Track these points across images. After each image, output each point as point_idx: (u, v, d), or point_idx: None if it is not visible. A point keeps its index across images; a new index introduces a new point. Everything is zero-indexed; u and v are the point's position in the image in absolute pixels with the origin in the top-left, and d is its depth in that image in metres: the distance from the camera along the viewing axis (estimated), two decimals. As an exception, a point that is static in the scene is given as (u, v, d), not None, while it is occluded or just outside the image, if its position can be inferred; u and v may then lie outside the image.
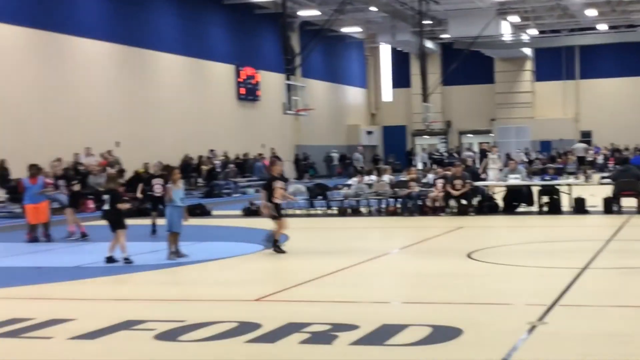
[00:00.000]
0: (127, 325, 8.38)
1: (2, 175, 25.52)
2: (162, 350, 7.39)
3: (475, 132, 58.86)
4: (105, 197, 13.82)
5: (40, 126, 31.16)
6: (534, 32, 52.50)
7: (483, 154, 35.34)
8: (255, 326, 8.09)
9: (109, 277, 12.29)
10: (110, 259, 13.40)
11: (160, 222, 16.45)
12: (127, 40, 36.41)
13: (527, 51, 56.00)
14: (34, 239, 17.07)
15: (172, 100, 39.25)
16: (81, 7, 34.33)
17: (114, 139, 34.20)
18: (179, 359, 7.02)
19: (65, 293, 11.08)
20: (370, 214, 22.49)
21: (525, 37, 53.05)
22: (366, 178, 23.86)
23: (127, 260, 13.30)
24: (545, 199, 21.09)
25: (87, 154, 29.80)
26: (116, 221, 13.62)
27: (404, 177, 24.40)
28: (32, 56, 31.62)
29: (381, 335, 7.56)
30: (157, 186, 18.22)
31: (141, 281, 12.04)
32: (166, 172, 17.29)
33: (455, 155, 44.34)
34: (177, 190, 14.23)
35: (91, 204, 23.50)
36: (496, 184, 22.68)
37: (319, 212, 23.13)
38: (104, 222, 13.96)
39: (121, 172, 29.16)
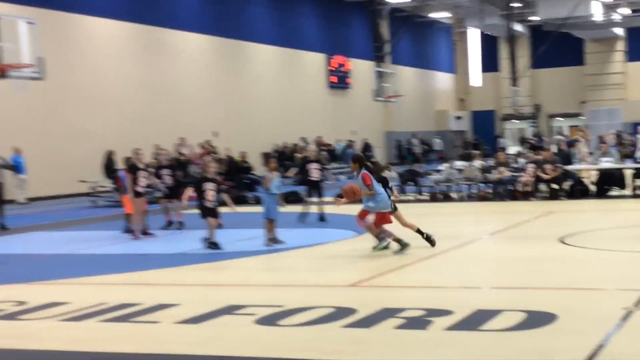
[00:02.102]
0: (229, 310, 8.58)
1: (108, 166, 26.29)
2: (263, 334, 7.56)
3: (565, 115, 57.61)
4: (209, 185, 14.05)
5: (141, 118, 31.99)
6: (626, 11, 50.94)
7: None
8: (351, 311, 8.19)
9: (210, 263, 12.57)
10: (213, 245, 13.71)
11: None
12: (222, 32, 36.99)
13: (619, 31, 54.41)
14: (127, 229, 16.90)
15: (265, 90, 39.69)
16: (178, 0, 35.02)
17: (212, 128, 34.83)
18: (279, 343, 7.16)
19: (169, 279, 11.40)
20: (461, 199, 22.36)
21: (616, 17, 51.51)
22: (457, 163, 23.70)
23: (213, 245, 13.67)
24: (639, 182, 20.60)
25: (183, 144, 30.35)
26: (208, 209, 13.88)
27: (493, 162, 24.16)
28: (132, 50, 32.44)
29: (475, 320, 7.56)
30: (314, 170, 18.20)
31: (240, 267, 12.29)
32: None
33: (545, 139, 43.57)
34: (274, 179, 14.45)
35: (191, 193, 23.90)
36: (588, 168, 22.24)
37: (410, 197, 23.10)
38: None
39: (219, 160, 29.68)
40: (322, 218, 17.92)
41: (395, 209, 13.11)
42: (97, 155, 27.51)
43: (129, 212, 16.86)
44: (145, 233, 16.48)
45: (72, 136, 28.78)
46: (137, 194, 16.11)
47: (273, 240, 14.19)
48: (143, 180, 16.32)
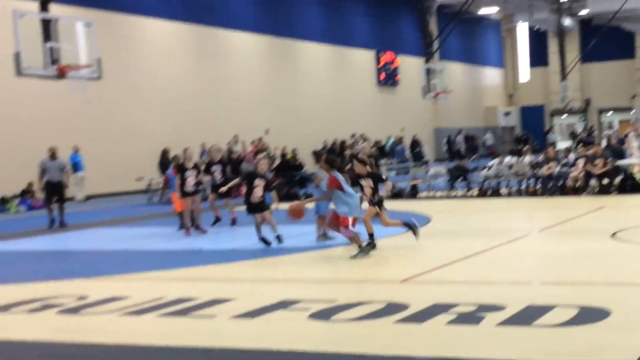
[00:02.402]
0: (283, 305, 8.65)
1: (164, 164, 26.64)
2: (317, 329, 7.61)
3: (616, 110, 56.76)
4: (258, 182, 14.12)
5: (195, 116, 32.35)
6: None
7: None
8: (403, 307, 8.20)
9: (263, 259, 12.67)
10: (263, 241, 13.83)
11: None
12: (274, 30, 37.21)
13: (670, 24, 53.51)
14: (181, 226, 17.01)
15: (316, 87, 39.81)
16: (230, 0, 35.28)
17: (264, 126, 35.04)
18: (333, 338, 7.21)
19: (223, 275, 11.52)
20: (510, 194, 22.18)
21: (668, 10, 50.61)
22: (506, 159, 23.52)
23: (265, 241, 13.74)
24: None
25: (236, 142, 30.59)
26: (255, 205, 13.95)
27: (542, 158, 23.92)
28: (186, 49, 32.81)
29: (528, 316, 7.53)
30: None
31: (293, 263, 12.35)
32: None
33: (595, 134, 42.95)
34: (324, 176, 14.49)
35: (243, 190, 24.09)
36: (639, 162, 21.91)
37: (460, 193, 22.98)
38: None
39: (272, 158, 29.85)
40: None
41: (378, 204, 12.72)
42: (153, 154, 27.95)
43: (178, 209, 16.99)
44: (198, 229, 16.55)
45: (129, 135, 29.22)
46: (184, 194, 16.17)
47: (324, 236, 14.25)
48: (191, 179, 16.28)
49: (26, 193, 25.97)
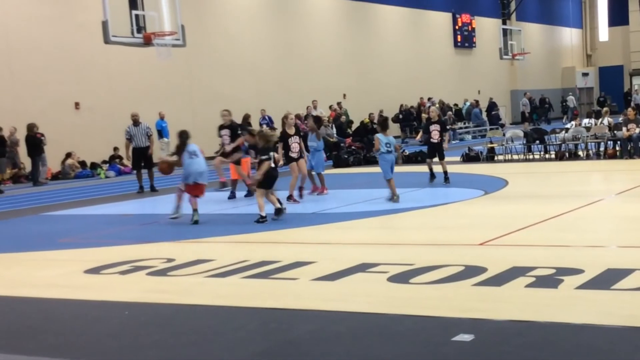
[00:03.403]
0: (362, 267, 8.70)
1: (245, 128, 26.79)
2: (396, 291, 7.63)
3: (699, 68, 54.81)
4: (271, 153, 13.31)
5: (275, 81, 32.48)
6: None
7: None
8: (481, 270, 8.16)
9: (341, 222, 12.72)
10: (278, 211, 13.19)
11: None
12: (351, -5, 37.00)
13: None
14: (232, 195, 16.83)
15: (392, 51, 39.50)
16: (308, -33, 35.19)
17: (342, 91, 34.99)
18: (412, 300, 7.22)
19: (304, 238, 11.63)
20: (588, 157, 21.71)
21: None
22: (585, 121, 23.00)
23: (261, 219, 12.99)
24: None
25: (314, 107, 30.63)
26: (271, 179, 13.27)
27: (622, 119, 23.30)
28: (265, 14, 32.92)
29: (607, 279, 7.40)
30: (435, 132, 17.66)
31: (370, 226, 12.38)
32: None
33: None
34: (384, 139, 14.49)
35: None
36: None
37: (537, 156, 22.60)
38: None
39: (349, 123, 29.84)
40: (445, 178, 17.24)
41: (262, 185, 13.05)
42: (236, 119, 28.14)
43: (233, 177, 17.18)
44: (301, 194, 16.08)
45: (211, 100, 29.55)
46: (290, 159, 15.52)
47: (393, 197, 14.31)
48: (295, 145, 15.56)
49: (114, 158, 26.56)
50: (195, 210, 13.36)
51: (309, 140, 16.72)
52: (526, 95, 45.46)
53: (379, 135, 14.73)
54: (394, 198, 14.45)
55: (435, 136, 17.23)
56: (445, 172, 17.24)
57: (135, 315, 7.41)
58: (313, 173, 16.59)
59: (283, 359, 5.84)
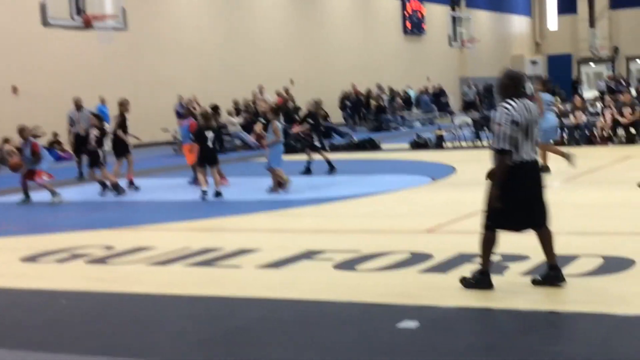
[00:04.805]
0: (308, 255, 8.70)
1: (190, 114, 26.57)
2: (343, 278, 7.66)
3: (645, 58, 55.85)
4: (209, 135, 14.29)
5: (221, 66, 32.25)
6: None
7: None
8: (427, 257, 8.23)
9: (284, 210, 12.68)
10: (217, 194, 14.00)
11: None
12: (296, -21, 36.85)
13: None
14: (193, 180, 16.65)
15: (341, 37, 39.50)
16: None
17: (289, 76, 34.88)
18: (358, 287, 7.24)
19: (247, 225, 11.57)
20: (536, 144, 21.98)
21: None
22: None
23: (218, 194, 13.96)
24: None
25: (260, 92, 30.49)
26: (213, 157, 14.28)
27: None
28: (209, 0, 32.61)
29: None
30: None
31: (316, 214, 12.36)
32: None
33: (623, 82, 42.28)
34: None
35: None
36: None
37: (486, 144, 22.81)
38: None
39: (297, 109, 29.73)
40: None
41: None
42: (174, 102, 27.84)
43: (189, 162, 16.80)
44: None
45: (155, 85, 29.21)
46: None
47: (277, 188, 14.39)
48: None
49: (53, 144, 26.13)
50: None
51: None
52: (469, 83, 45.66)
53: (277, 123, 14.64)
54: (285, 179, 14.41)
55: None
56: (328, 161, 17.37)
57: (74, 304, 7.31)
58: None
59: (228, 347, 5.82)
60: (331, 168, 17.13)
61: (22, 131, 15.35)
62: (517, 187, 6.66)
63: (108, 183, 15.57)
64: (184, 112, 19.60)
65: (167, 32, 30.38)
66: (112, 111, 26.49)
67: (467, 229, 10.05)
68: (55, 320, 6.76)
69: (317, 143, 17.38)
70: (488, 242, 6.84)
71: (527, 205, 6.77)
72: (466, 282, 6.87)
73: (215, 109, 17.64)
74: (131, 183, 16.27)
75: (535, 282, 6.86)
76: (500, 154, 6.65)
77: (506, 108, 6.65)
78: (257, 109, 27.05)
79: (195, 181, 16.29)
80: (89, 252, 9.56)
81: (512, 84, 6.78)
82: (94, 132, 15.73)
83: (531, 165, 6.76)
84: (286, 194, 14.12)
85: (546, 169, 14.41)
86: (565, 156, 14.60)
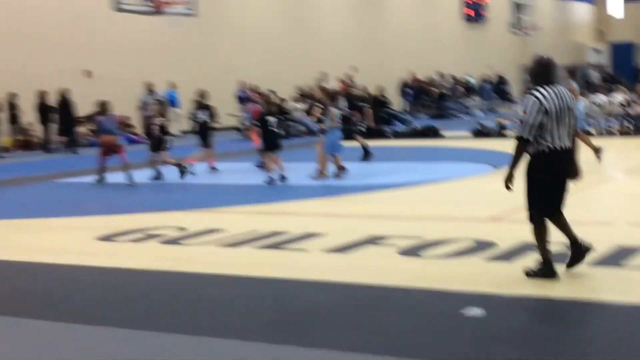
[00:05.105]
0: (372, 240, 8.75)
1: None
2: (405, 264, 7.70)
3: None
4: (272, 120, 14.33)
5: (285, 52, 32.40)
6: None
7: None
8: (491, 245, 8.21)
9: (351, 195, 12.77)
10: (282, 178, 14.11)
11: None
12: (360, -34, 36.75)
13: None
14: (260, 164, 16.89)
15: (402, 25, 39.29)
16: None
17: (350, 62, 34.86)
18: (421, 273, 7.28)
19: (315, 210, 11.68)
20: (600, 134, 21.63)
21: None
22: (596, 98, 22.88)
23: (283, 178, 14.06)
24: None
25: (324, 79, 30.52)
26: (274, 143, 14.27)
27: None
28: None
29: (617, 256, 7.45)
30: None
31: (380, 199, 12.39)
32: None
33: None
34: (338, 113, 14.52)
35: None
36: None
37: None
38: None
39: (360, 97, 29.65)
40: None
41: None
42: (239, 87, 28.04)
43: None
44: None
45: (222, 71, 29.49)
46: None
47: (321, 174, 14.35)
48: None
49: (125, 127, 26.58)
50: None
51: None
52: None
53: (334, 109, 14.55)
54: (323, 174, 14.39)
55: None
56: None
57: (148, 282, 7.49)
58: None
59: (293, 329, 5.91)
60: (366, 154, 17.16)
61: (103, 105, 15.47)
62: (551, 174, 6.68)
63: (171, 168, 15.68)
64: (245, 97, 19.78)
65: (234, 18, 30.63)
66: (183, 95, 26.93)
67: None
68: (131, 298, 6.95)
69: (361, 129, 17.44)
70: (539, 234, 6.84)
71: (560, 192, 6.79)
72: (530, 274, 6.85)
73: (273, 94, 17.74)
74: (213, 168, 16.66)
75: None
76: (519, 141, 6.66)
77: (535, 96, 6.59)
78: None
79: (262, 164, 16.49)
80: (163, 232, 9.77)
81: (543, 71, 6.71)
82: (156, 120, 15.89)
83: (565, 154, 6.71)
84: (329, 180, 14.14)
85: (597, 151, 14.42)
86: (594, 149, 14.40)
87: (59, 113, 24.02)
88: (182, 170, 15.52)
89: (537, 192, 6.71)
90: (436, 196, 12.46)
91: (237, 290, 7.11)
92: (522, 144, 6.64)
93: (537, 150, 6.64)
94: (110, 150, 15.13)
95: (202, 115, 16.72)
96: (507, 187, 6.79)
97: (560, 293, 6.47)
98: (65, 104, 23.93)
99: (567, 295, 6.41)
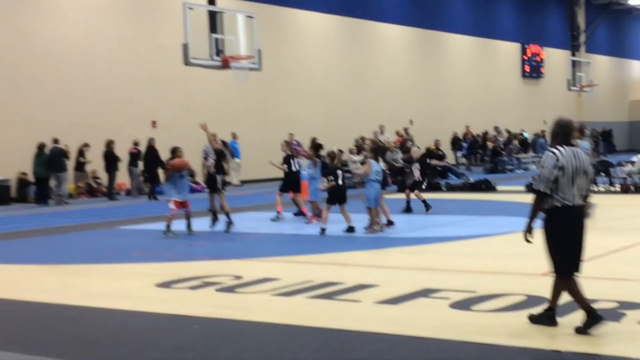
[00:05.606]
0: (425, 293, 8.68)
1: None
2: (458, 317, 7.59)
3: None
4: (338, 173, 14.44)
5: (345, 106, 32.66)
6: None
7: None
8: (543, 300, 8.03)
9: (407, 247, 12.71)
10: (350, 229, 14.10)
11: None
12: (421, 23, 37.10)
13: None
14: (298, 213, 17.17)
15: (460, 79, 39.36)
16: (379, -6, 35.37)
17: (408, 116, 34.98)
18: (472, 327, 7.17)
19: (369, 261, 11.67)
20: (655, 191, 21.21)
21: None
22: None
23: (350, 229, 14.04)
24: None
25: (381, 132, 30.65)
26: (342, 195, 14.34)
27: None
28: (338, 41, 33.21)
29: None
30: (416, 171, 17.75)
31: (433, 251, 12.30)
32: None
33: None
34: (376, 166, 14.37)
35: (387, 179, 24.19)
36: None
37: (602, 189, 22.18)
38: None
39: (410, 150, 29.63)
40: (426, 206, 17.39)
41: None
42: (305, 141, 28.33)
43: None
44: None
45: (282, 123, 29.83)
46: None
47: (373, 227, 14.17)
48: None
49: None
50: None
51: (307, 168, 16.74)
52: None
53: (372, 161, 14.50)
54: (374, 228, 14.15)
55: (416, 174, 17.68)
56: (408, 202, 17.61)
57: (204, 329, 7.52)
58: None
59: (345, 380, 5.86)
60: (427, 207, 17.28)
61: (174, 151, 15.41)
62: (568, 229, 6.83)
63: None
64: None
65: (296, 72, 31.06)
66: (243, 147, 27.26)
67: (583, 274, 9.78)
68: (187, 345, 6.98)
69: (415, 182, 17.52)
70: (572, 289, 6.97)
71: (578, 248, 6.91)
72: (533, 318, 7.04)
73: (317, 147, 17.57)
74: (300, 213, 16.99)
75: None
76: (537, 194, 6.83)
77: (553, 153, 6.82)
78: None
79: (298, 213, 16.62)
80: (220, 280, 9.83)
81: (562, 132, 6.95)
82: (212, 157, 15.95)
83: (576, 211, 6.82)
84: (382, 233, 14.07)
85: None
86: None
87: (144, 161, 24.54)
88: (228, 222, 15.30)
89: (560, 246, 6.84)
90: (489, 249, 12.32)
91: (288, 339, 7.10)
92: (540, 198, 6.81)
93: (551, 206, 6.80)
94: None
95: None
96: (527, 240, 7.01)
97: (608, 350, 6.31)
98: (151, 153, 24.34)
99: (616, 353, 6.25)
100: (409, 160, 18.88)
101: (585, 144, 15.45)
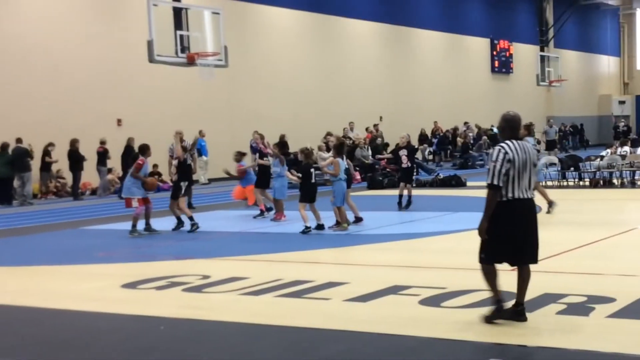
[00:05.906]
0: (395, 290, 8.70)
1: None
2: (428, 314, 7.62)
3: None
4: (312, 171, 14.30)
5: (312, 103, 32.64)
6: None
7: None
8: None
9: (374, 244, 12.73)
10: (319, 227, 14.01)
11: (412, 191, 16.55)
12: (390, 19, 37.21)
13: None
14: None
15: (430, 75, 39.53)
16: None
17: (378, 113, 35.06)
18: (442, 324, 7.20)
19: (338, 258, 11.67)
20: (622, 185, 21.47)
21: None
22: (620, 149, 22.76)
23: (306, 229, 13.84)
24: None
25: (351, 129, 30.72)
26: (314, 194, 14.24)
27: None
28: (305, 37, 33.17)
29: (638, 308, 7.34)
30: (404, 157, 17.79)
31: (402, 248, 12.35)
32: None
33: None
34: (343, 164, 14.25)
35: (357, 176, 24.26)
36: None
37: (571, 183, 22.41)
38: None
39: (385, 145, 29.81)
40: (408, 203, 17.47)
41: None
42: (272, 139, 28.24)
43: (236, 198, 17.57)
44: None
45: (249, 120, 29.73)
46: None
47: (339, 224, 14.13)
48: None
49: (153, 175, 26.80)
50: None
51: (273, 166, 16.55)
52: (549, 123, 44.63)
53: (339, 160, 14.28)
54: (343, 226, 14.09)
55: (404, 161, 17.56)
56: (410, 197, 17.49)
57: (171, 330, 7.48)
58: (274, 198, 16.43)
59: (313, 378, 5.85)
60: (409, 203, 17.27)
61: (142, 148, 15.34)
62: (508, 222, 6.90)
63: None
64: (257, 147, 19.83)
65: (261, 68, 30.98)
66: (209, 145, 27.13)
67: (552, 269, 9.88)
68: (153, 346, 6.93)
69: (405, 170, 17.54)
70: (488, 275, 7.13)
71: (516, 241, 6.98)
72: (486, 318, 7.03)
73: (283, 145, 17.48)
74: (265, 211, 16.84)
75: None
76: (490, 189, 6.90)
77: (502, 147, 6.93)
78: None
79: (259, 215, 16.71)
80: (186, 280, 9.78)
81: (508, 126, 7.10)
82: (174, 163, 15.84)
83: (524, 203, 6.96)
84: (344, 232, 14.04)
85: (550, 204, 15.16)
86: (548, 201, 15.15)
87: (121, 160, 24.29)
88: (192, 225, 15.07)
89: (493, 238, 6.93)
90: (459, 245, 12.36)
91: (257, 338, 7.08)
92: (494, 191, 6.88)
93: (500, 198, 6.91)
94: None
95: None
96: (483, 237, 7.01)
97: (576, 345, 6.36)
98: (129, 152, 24.02)
99: (587, 348, 6.31)
100: (396, 150, 18.84)
101: (531, 139, 15.61)
